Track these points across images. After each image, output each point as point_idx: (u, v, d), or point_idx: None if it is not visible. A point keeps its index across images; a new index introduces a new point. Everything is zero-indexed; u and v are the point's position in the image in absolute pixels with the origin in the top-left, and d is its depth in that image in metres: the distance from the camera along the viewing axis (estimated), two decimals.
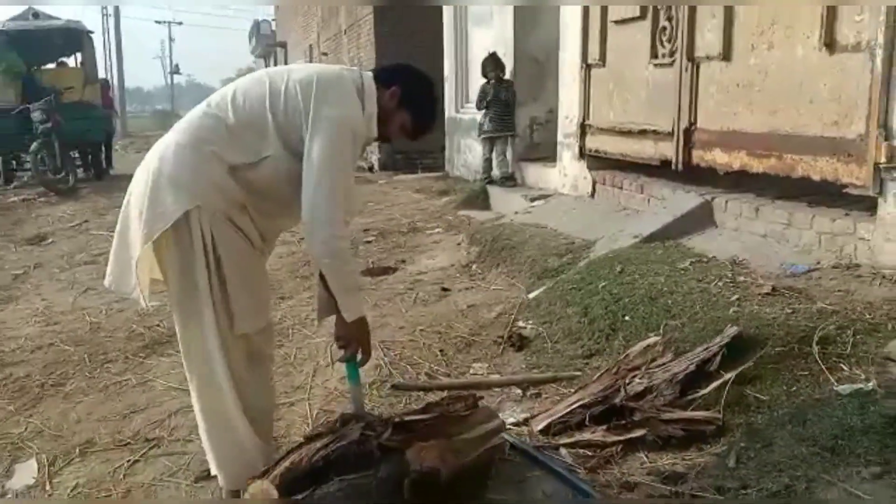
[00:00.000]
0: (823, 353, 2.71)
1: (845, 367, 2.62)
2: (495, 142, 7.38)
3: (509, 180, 7.30)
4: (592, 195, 5.85)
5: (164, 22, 56.95)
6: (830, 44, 3.41)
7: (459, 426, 2.49)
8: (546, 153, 6.95)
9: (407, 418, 2.47)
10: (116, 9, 34.33)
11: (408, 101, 2.31)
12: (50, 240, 7.49)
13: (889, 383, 2.24)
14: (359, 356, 2.37)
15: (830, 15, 3.37)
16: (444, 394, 3.02)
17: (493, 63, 7.27)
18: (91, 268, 6.14)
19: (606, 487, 2.40)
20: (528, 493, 2.44)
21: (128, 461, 2.86)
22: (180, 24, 59.42)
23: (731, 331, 2.90)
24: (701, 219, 4.32)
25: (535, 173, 7.08)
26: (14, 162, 12.01)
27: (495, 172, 7.44)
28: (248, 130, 2.18)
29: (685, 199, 4.49)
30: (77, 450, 2.98)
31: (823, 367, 2.65)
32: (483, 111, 7.36)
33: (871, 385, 2.41)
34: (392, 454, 2.25)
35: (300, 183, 2.12)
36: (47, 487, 2.73)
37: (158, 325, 4.49)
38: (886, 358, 2.24)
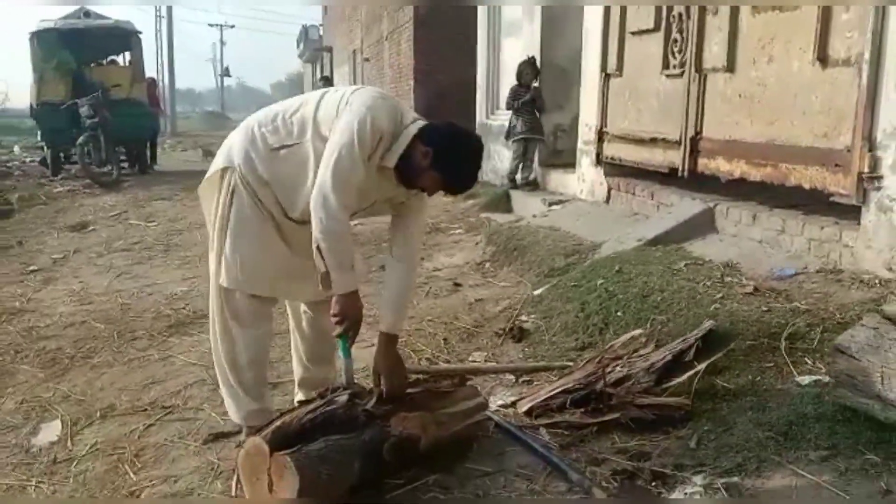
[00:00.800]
0: (791, 347, 2.87)
1: (809, 361, 2.78)
2: (527, 144, 7.55)
3: (530, 185, 7.49)
4: (608, 201, 6.02)
5: (217, 25, 58.40)
6: (823, 58, 3.55)
7: (443, 401, 2.69)
8: (569, 160, 7.12)
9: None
10: (169, 10, 35.36)
11: (439, 164, 2.39)
12: (91, 227, 7.92)
13: (838, 374, 2.39)
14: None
15: (824, 30, 3.52)
16: None
17: (530, 67, 7.49)
18: (127, 254, 6.52)
19: (576, 462, 2.56)
20: (505, 465, 2.61)
21: (144, 424, 3.11)
22: (232, 27, 61.04)
23: (707, 325, 3.06)
24: (703, 224, 4.47)
25: (557, 179, 7.26)
26: (62, 154, 12.59)
27: (518, 176, 7.63)
28: (296, 118, 2.51)
29: (690, 206, 4.64)
30: (98, 413, 3.26)
31: (788, 360, 2.81)
32: (513, 113, 7.56)
33: (828, 377, 2.55)
34: (376, 421, 2.46)
35: None
36: (69, 444, 3.00)
37: (183, 308, 4.79)
38: (836, 349, 2.38)
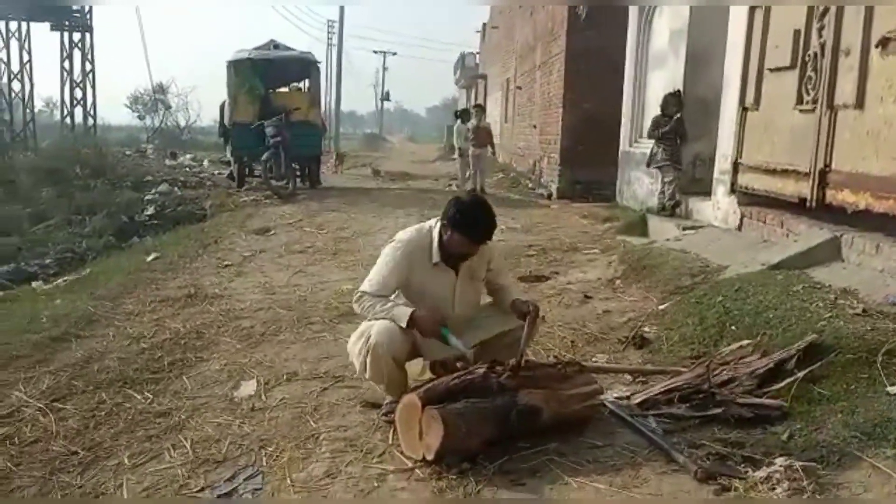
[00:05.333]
0: (887, 362, 3.15)
1: None
2: (666, 171, 7.87)
3: (665, 210, 7.81)
4: (739, 228, 6.26)
5: (381, 52, 61.66)
6: None
7: (564, 383, 3.20)
8: (706, 188, 7.36)
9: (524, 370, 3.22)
10: (340, 40, 38.02)
11: (453, 226, 3.22)
12: (272, 232, 9.07)
13: None
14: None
15: None
16: None
17: (676, 100, 7.88)
18: (302, 256, 7.51)
19: (676, 444, 2.97)
20: (614, 441, 3.06)
21: (320, 388, 3.84)
22: (394, 54, 64.02)
23: (809, 337, 3.39)
24: (828, 252, 4.68)
25: (694, 206, 7.53)
26: (246, 169, 14.21)
27: (656, 202, 7.96)
28: None
29: (816, 235, 4.86)
30: (285, 377, 4.02)
31: (882, 373, 3.09)
32: (655, 142, 7.93)
33: None
34: (507, 392, 3.02)
35: None
36: (263, 397, 3.76)
37: (350, 302, 5.54)
38: None
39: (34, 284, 7.79)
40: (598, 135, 11.39)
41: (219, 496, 2.77)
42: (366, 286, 3.32)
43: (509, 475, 2.75)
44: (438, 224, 3.32)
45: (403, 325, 3.15)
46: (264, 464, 2.99)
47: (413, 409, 2.94)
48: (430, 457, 2.83)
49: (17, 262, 9.47)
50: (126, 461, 3.14)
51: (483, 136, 13.66)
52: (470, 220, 3.22)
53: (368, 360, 3.21)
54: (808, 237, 4.91)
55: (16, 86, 25.40)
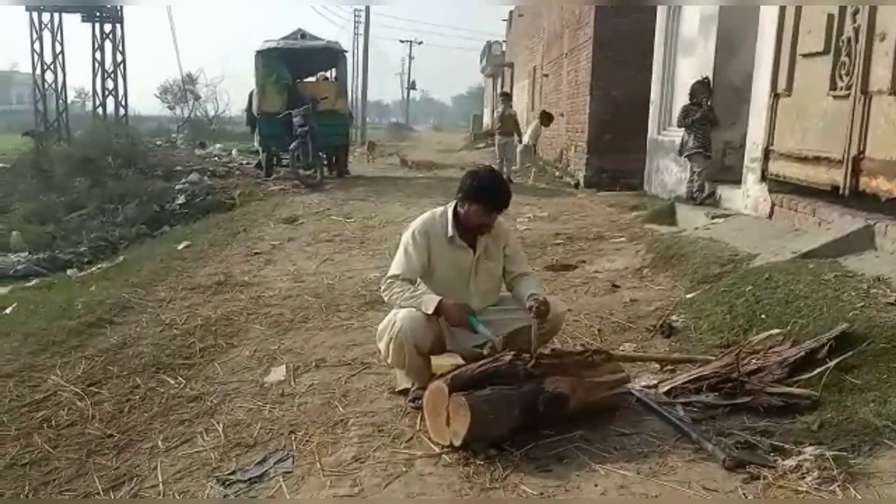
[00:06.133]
0: None
1: None
2: (696, 161, 7.78)
3: (693, 199, 7.72)
4: (770, 216, 6.18)
5: (407, 41, 61.60)
6: None
7: (591, 371, 3.19)
8: (736, 176, 7.27)
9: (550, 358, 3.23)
10: (367, 30, 38.09)
11: (468, 196, 3.35)
12: (300, 221, 9.15)
13: None
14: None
15: None
16: None
17: (704, 88, 7.78)
18: (330, 244, 7.57)
19: (704, 433, 2.96)
20: (641, 429, 3.05)
21: (348, 374, 3.87)
22: (420, 43, 63.93)
23: (841, 326, 3.35)
24: (861, 241, 4.60)
25: (723, 193, 7.44)
26: (274, 158, 14.31)
27: (685, 190, 7.87)
28: None
29: (849, 223, 4.79)
30: (313, 363, 4.07)
31: None
32: (685, 130, 7.83)
33: None
34: (533, 378, 3.02)
35: None
36: (292, 383, 3.81)
37: (377, 291, 5.59)
38: None
39: (69, 272, 7.99)
40: (625, 123, 11.30)
41: (250, 479, 2.82)
42: (392, 270, 3.39)
43: (536, 461, 2.76)
44: (453, 204, 3.44)
45: (430, 312, 3.17)
46: (294, 448, 3.03)
47: (440, 395, 2.96)
48: (457, 443, 2.85)
49: (53, 250, 9.71)
50: (160, 444, 3.21)
51: (509, 124, 13.60)
52: (485, 188, 3.33)
53: (392, 347, 3.26)
54: (841, 225, 4.84)
55: (48, 76, 25.79)
